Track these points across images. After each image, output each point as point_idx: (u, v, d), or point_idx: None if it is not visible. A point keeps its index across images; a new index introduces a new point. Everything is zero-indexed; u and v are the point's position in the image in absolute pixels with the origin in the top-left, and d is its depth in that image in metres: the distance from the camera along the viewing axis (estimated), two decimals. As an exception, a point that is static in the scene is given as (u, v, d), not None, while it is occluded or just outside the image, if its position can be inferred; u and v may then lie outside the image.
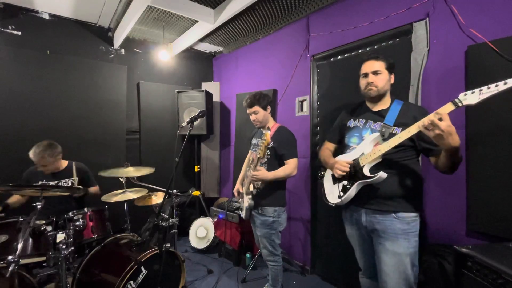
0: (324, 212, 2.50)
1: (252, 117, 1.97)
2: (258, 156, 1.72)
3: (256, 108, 1.93)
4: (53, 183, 2.18)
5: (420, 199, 1.44)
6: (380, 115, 1.46)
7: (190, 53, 3.77)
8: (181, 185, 3.60)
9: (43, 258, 1.76)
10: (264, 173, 1.81)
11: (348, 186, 1.43)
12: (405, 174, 1.36)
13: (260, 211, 1.91)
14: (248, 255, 2.74)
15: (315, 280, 2.52)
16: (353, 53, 2.27)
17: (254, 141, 2.10)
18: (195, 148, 3.72)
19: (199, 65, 3.93)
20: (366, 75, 1.47)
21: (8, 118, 2.52)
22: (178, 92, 3.40)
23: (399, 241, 1.33)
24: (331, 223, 2.42)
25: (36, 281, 1.70)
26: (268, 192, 1.89)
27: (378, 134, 1.38)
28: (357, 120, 1.55)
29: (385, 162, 1.36)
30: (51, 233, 1.72)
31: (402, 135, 1.23)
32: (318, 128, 2.57)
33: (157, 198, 2.48)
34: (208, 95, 3.48)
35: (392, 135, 1.32)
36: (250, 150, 2.18)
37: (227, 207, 2.92)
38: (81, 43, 2.95)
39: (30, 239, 1.67)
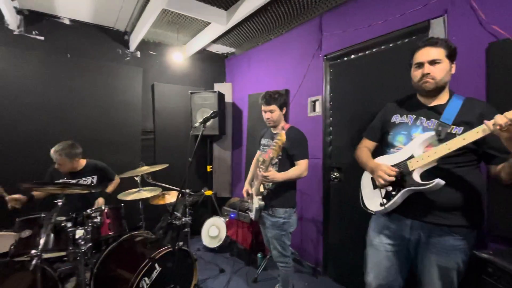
0: (336, 213, 2.47)
1: (267, 115, 1.93)
2: (271, 155, 1.69)
3: (273, 107, 1.90)
4: (73, 181, 2.28)
5: (481, 213, 1.22)
6: (436, 112, 1.23)
7: (203, 55, 3.82)
8: (194, 184, 3.66)
9: (64, 253, 1.84)
10: (274, 174, 1.79)
11: (394, 193, 1.24)
12: (464, 182, 1.16)
13: (271, 212, 1.90)
14: (259, 255, 2.75)
15: (327, 282, 2.49)
16: (367, 52, 2.23)
17: (263, 141, 2.08)
18: (207, 148, 3.76)
19: (212, 66, 3.98)
20: (420, 65, 1.23)
21: (32, 118, 2.65)
22: (191, 93, 3.45)
23: (449, 256, 1.18)
24: (344, 225, 2.39)
25: (57, 275, 1.77)
26: (279, 193, 1.88)
27: (432, 133, 1.17)
28: (404, 115, 1.33)
29: (440, 167, 1.15)
30: (71, 229, 1.78)
31: (468, 137, 1.01)
32: (331, 128, 2.54)
33: (171, 197, 2.54)
34: (221, 96, 3.52)
35: (450, 135, 1.12)
36: (258, 151, 2.18)
37: (238, 207, 2.93)
38: (99, 46, 3.06)
39: (52, 235, 1.74)
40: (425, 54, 1.22)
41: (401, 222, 1.30)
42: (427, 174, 1.17)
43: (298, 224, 2.03)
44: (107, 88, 3.08)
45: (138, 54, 3.34)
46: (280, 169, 1.86)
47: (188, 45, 3.51)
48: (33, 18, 2.69)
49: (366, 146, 1.53)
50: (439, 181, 1.08)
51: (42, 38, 2.75)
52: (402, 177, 1.21)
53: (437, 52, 1.20)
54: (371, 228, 1.47)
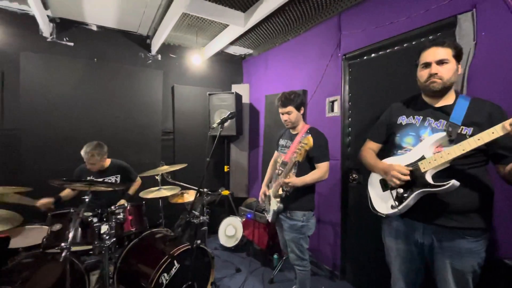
0: (355, 216, 2.41)
1: (284, 117, 1.91)
2: (295, 160, 1.66)
3: (290, 108, 1.86)
4: (99, 179, 2.40)
5: (490, 214, 1.21)
6: (444, 112, 1.23)
7: (221, 56, 3.87)
8: (211, 184, 3.72)
9: (90, 247, 1.94)
10: (295, 181, 1.75)
11: (406, 195, 1.22)
12: (475, 184, 1.15)
13: (289, 215, 1.88)
14: (275, 256, 2.74)
15: (345, 286, 2.44)
16: (388, 51, 2.16)
17: (281, 142, 2.05)
18: (225, 149, 3.81)
19: (229, 67, 4.03)
20: (428, 64, 1.23)
21: (61, 120, 2.83)
22: (209, 94, 3.52)
23: (464, 259, 1.16)
24: (362, 228, 2.33)
25: (84, 267, 1.87)
26: (297, 196, 1.85)
27: (443, 134, 1.16)
28: (411, 116, 1.32)
29: (451, 168, 1.14)
30: (97, 224, 1.89)
31: (484, 137, 1.00)
32: (350, 129, 2.48)
33: (189, 196, 2.60)
34: (238, 97, 3.55)
35: (461, 135, 1.12)
36: (276, 152, 2.16)
37: (255, 207, 2.94)
38: (123, 50, 3.21)
39: (79, 229, 1.84)
40: (432, 54, 1.22)
41: (413, 226, 1.29)
42: (436, 176, 1.16)
43: (315, 227, 2.00)
44: (130, 90, 3.22)
45: (159, 57, 3.46)
46: (299, 171, 1.82)
47: (206, 47, 3.58)
48: (64, 26, 2.87)
49: (370, 147, 1.52)
50: (455, 182, 1.06)
51: (72, 44, 2.92)
52: (414, 178, 1.20)
53: (445, 52, 1.20)
54: (384, 233, 1.46)
